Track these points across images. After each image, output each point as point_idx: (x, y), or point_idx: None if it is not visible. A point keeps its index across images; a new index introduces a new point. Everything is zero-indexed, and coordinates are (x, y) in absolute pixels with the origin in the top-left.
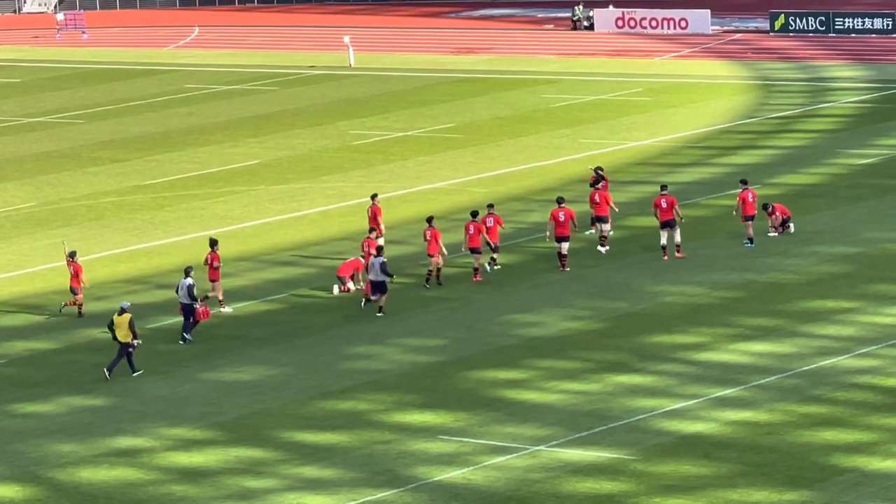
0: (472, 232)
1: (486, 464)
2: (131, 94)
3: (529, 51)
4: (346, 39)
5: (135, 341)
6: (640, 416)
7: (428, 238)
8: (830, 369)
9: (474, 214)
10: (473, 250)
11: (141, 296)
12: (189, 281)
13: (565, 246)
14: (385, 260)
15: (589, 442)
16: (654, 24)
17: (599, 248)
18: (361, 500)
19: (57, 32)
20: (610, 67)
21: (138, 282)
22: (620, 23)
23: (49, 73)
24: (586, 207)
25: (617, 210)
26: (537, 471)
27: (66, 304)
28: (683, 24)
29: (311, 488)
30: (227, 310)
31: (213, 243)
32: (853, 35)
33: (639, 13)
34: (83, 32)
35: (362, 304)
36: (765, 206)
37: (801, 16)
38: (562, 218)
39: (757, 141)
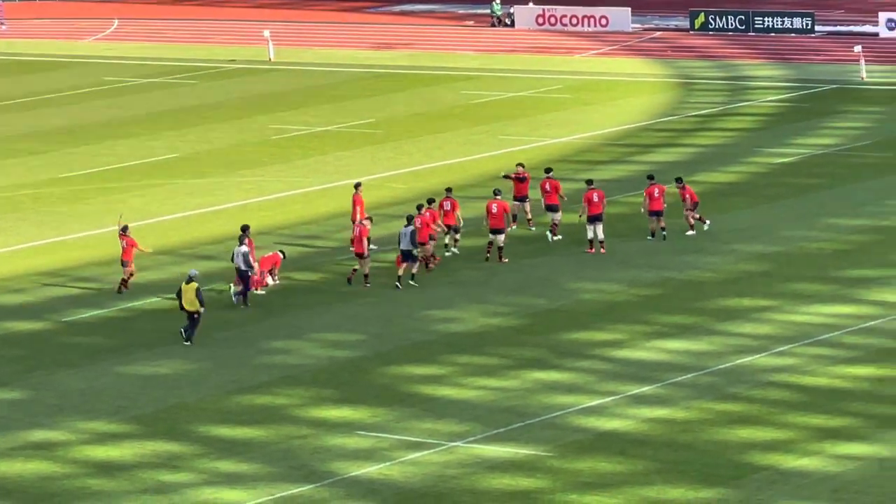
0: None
1: (402, 459)
2: (50, 86)
3: (449, 47)
4: (266, 34)
5: (201, 309)
6: (557, 413)
7: (418, 225)
8: (747, 367)
9: (430, 202)
10: (431, 238)
11: (59, 289)
12: (244, 248)
13: (500, 238)
14: (415, 228)
15: (506, 438)
16: (574, 21)
17: (550, 235)
18: (278, 495)
19: None
20: (530, 64)
21: (56, 274)
22: (541, 20)
23: None
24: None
25: (566, 199)
26: (454, 467)
27: (128, 277)
28: (604, 21)
29: (228, 483)
30: (260, 292)
31: (244, 229)
32: (772, 34)
33: (559, 10)
34: (1, 23)
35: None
36: (678, 180)
37: (720, 14)
38: (494, 210)
39: (676, 139)
